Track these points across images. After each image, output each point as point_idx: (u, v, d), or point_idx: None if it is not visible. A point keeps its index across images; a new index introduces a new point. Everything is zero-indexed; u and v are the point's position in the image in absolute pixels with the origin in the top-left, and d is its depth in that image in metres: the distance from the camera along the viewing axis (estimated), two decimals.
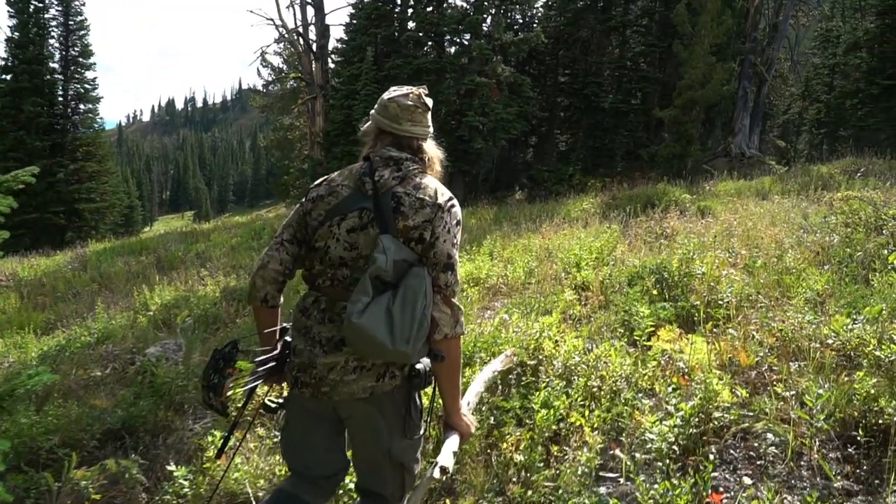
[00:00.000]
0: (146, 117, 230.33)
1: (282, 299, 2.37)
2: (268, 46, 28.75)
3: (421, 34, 24.86)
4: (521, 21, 28.54)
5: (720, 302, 4.75)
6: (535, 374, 3.82)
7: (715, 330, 4.26)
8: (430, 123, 2.35)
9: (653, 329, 4.13)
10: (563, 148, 30.42)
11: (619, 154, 26.48)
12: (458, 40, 25.90)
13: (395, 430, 2.22)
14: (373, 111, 2.35)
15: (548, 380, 3.63)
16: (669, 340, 3.92)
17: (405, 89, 2.31)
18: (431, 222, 2.14)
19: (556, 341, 3.97)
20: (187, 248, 15.43)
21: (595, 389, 3.57)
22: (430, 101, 2.34)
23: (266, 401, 2.42)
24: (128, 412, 4.44)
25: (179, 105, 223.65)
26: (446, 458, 2.24)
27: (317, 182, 2.37)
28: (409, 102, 2.26)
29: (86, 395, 5.14)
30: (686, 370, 3.72)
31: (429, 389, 2.30)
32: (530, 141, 31.03)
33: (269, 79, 39.05)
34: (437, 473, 2.20)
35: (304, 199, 2.34)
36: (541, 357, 3.90)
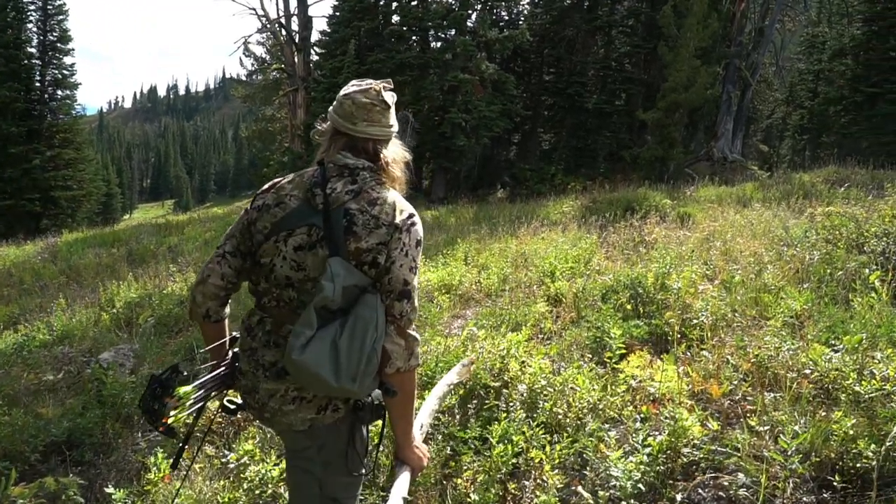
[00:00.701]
0: (128, 104, 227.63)
1: (227, 311, 2.18)
2: (249, 36, 28.38)
3: (405, 28, 24.61)
4: (506, 18, 28.32)
5: (695, 321, 4.57)
6: (498, 397, 3.62)
7: (688, 353, 4.08)
8: (391, 123, 2.08)
9: (624, 350, 3.94)
10: (547, 147, 30.28)
11: (602, 155, 26.38)
12: (442, 35, 25.67)
13: (333, 466, 2.05)
14: (330, 108, 2.09)
15: (510, 406, 3.44)
16: (640, 366, 3.73)
17: (364, 84, 2.06)
18: (387, 245, 1.93)
19: (523, 361, 3.77)
20: (160, 240, 15.11)
21: (560, 416, 3.37)
22: (391, 98, 2.08)
23: (225, 401, 2.22)
24: (73, 424, 4.20)
25: (162, 92, 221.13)
26: (397, 496, 2.08)
27: (264, 187, 2.12)
28: (366, 100, 2.00)
29: (34, 401, 4.90)
30: (656, 397, 3.54)
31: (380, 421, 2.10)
32: (514, 139, 30.87)
33: (252, 69, 38.66)
34: None
35: (248, 207, 2.10)
36: (506, 379, 3.70)
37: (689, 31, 20.32)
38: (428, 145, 24.04)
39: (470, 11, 24.93)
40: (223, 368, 2.15)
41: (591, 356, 4.25)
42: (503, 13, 28.19)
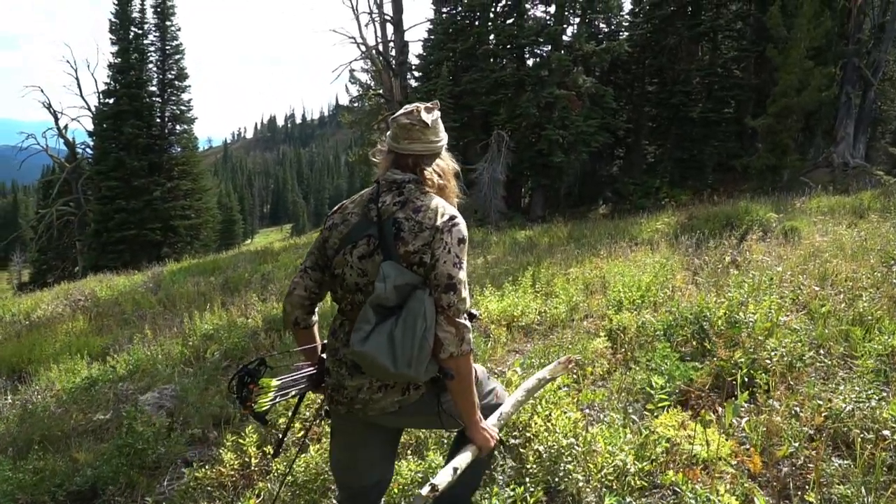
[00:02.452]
0: (249, 134, 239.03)
1: (314, 319, 2.48)
2: (349, 64, 28.87)
3: (499, 47, 24.35)
4: (605, 30, 27.52)
5: (768, 361, 3.99)
6: (518, 459, 3.21)
7: (752, 401, 3.53)
8: (435, 139, 2.32)
9: (667, 402, 3.45)
10: (652, 160, 29.13)
11: (710, 166, 25.05)
12: (538, 51, 25.26)
13: (434, 423, 2.38)
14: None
15: (527, 469, 3.03)
16: (677, 424, 3.21)
17: (410, 107, 2.32)
18: (430, 245, 2.16)
19: (549, 415, 3.34)
20: (254, 268, 15.42)
21: (582, 483, 2.93)
22: (430, 117, 2.29)
23: (325, 407, 2.49)
24: (97, 472, 4.11)
25: (280, 122, 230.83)
26: (443, 475, 2.19)
27: (333, 209, 2.44)
28: (406, 121, 2.27)
29: (76, 444, 4.88)
30: (697, 460, 3.03)
31: None
32: (617, 153, 29.92)
33: (358, 95, 39.51)
34: (424, 491, 2.10)
35: (322, 227, 2.42)
36: (529, 435, 3.29)
37: (800, 31, 18.99)
38: (525, 163, 23.61)
39: (565, 26, 24.41)
40: (310, 369, 2.48)
41: (635, 406, 3.76)
42: (602, 25, 27.44)
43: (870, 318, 4.64)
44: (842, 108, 21.93)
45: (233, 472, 3.74)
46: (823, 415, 3.19)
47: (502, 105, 23.26)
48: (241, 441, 3.90)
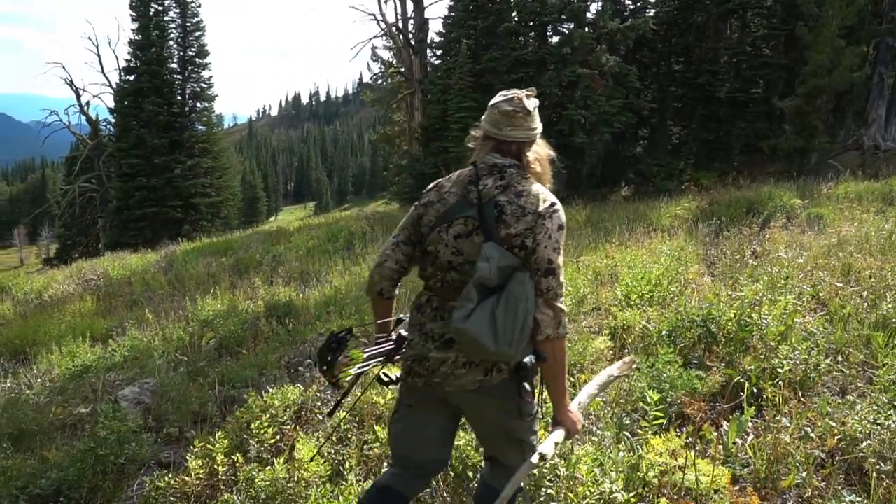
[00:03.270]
0: (274, 111, 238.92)
1: (397, 291, 2.52)
2: (368, 42, 28.48)
3: (521, 24, 23.79)
4: (630, 7, 26.80)
5: (780, 370, 3.66)
6: None
7: (757, 419, 3.21)
8: (534, 126, 2.34)
9: (662, 420, 3.14)
10: (677, 141, 28.44)
11: (737, 147, 24.34)
12: (560, 29, 24.64)
13: (508, 413, 2.33)
14: (482, 118, 2.39)
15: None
16: (666, 451, 2.90)
17: (510, 94, 2.32)
18: (533, 230, 2.19)
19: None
20: (267, 249, 15.24)
21: None
22: (532, 104, 2.33)
23: (381, 374, 2.52)
24: (63, 475, 3.89)
25: (305, 99, 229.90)
26: (547, 446, 2.25)
27: (429, 187, 2.46)
28: (509, 108, 2.28)
29: (49, 440, 4.69)
30: (688, 490, 2.72)
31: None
32: (641, 133, 29.25)
33: (379, 73, 39.10)
34: (535, 459, 2.20)
35: (417, 203, 2.45)
36: None
37: (832, 9, 18.25)
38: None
39: (589, 2, 23.75)
40: (390, 344, 2.50)
41: (633, 416, 3.45)
42: (627, 2, 26.72)
43: (894, 321, 4.28)
44: (874, 89, 21.15)
45: (198, 482, 3.51)
46: (836, 437, 2.88)
47: (523, 84, 22.73)
48: (210, 446, 3.66)
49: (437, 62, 27.45)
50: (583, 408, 2.64)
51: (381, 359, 2.48)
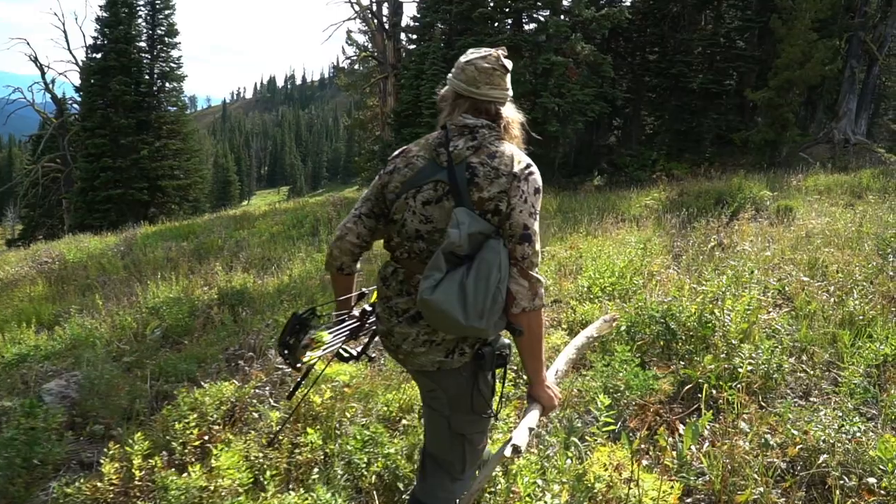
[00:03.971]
0: (249, 94, 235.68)
1: (358, 266, 2.38)
2: (340, 24, 27.86)
3: (496, 11, 23.44)
4: None
5: (740, 370, 3.44)
6: None
7: (715, 422, 2.99)
8: (509, 87, 2.24)
9: (613, 428, 2.91)
10: (650, 131, 28.37)
11: (708, 138, 24.33)
12: (536, 16, 24.36)
13: (459, 404, 2.20)
14: (450, 75, 2.24)
15: None
16: (608, 466, 2.66)
17: (483, 51, 2.21)
18: (507, 192, 2.04)
19: None
20: (229, 234, 14.85)
21: None
22: (509, 64, 2.24)
23: (340, 349, 2.35)
24: None
25: (280, 83, 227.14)
26: (520, 435, 2.08)
27: (395, 153, 2.31)
28: (487, 65, 2.16)
29: None
30: None
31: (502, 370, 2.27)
32: (615, 123, 29.13)
33: (354, 57, 38.53)
34: (508, 452, 2.04)
35: (381, 172, 2.29)
36: None
37: (805, 2, 18.20)
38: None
39: None
40: (354, 322, 2.35)
41: (586, 419, 3.22)
42: None
43: (861, 318, 4.09)
44: (845, 83, 21.21)
45: (111, 488, 3.21)
46: (798, 447, 2.66)
47: None
48: (128, 448, 3.37)
49: (411, 47, 27.03)
50: (560, 376, 2.54)
51: (346, 337, 2.32)
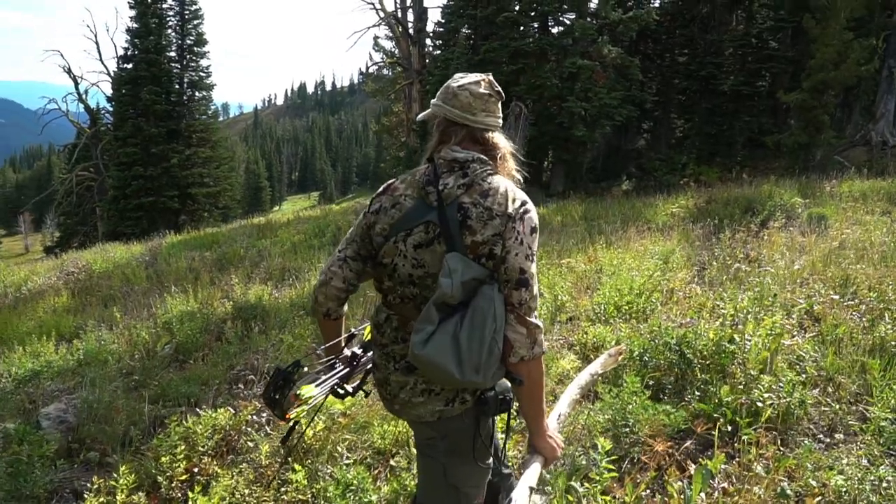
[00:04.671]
0: (280, 101, 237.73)
1: (344, 309, 2.26)
2: (365, 31, 27.87)
3: (521, 15, 23.19)
4: None
5: (760, 403, 3.20)
6: None
7: (729, 464, 2.76)
8: (500, 113, 2.12)
9: (614, 475, 2.69)
10: (680, 134, 27.86)
11: (740, 142, 23.79)
12: (562, 19, 24.08)
13: (458, 455, 2.09)
14: (436, 100, 2.11)
15: None
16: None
17: (473, 76, 2.09)
18: (502, 235, 1.92)
19: None
20: (252, 243, 14.83)
21: None
22: (500, 90, 2.12)
23: (335, 388, 2.20)
24: None
25: (310, 89, 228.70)
26: (520, 496, 2.00)
27: (379, 191, 2.18)
28: (484, 91, 2.05)
29: None
30: None
31: (505, 416, 2.17)
32: (644, 127, 28.67)
33: (381, 63, 38.56)
34: None
35: (366, 211, 2.17)
36: None
37: (840, 0, 17.68)
38: (546, 136, 22.57)
39: None
40: (344, 368, 2.23)
41: (588, 458, 3.00)
42: None
43: (893, 343, 3.81)
44: (883, 84, 20.57)
45: None
46: (817, 499, 2.43)
47: (521, 75, 22.20)
48: (113, 483, 3.24)
49: (436, 52, 26.92)
50: (563, 420, 2.44)
51: (336, 384, 2.19)
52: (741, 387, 3.38)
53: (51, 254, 35.96)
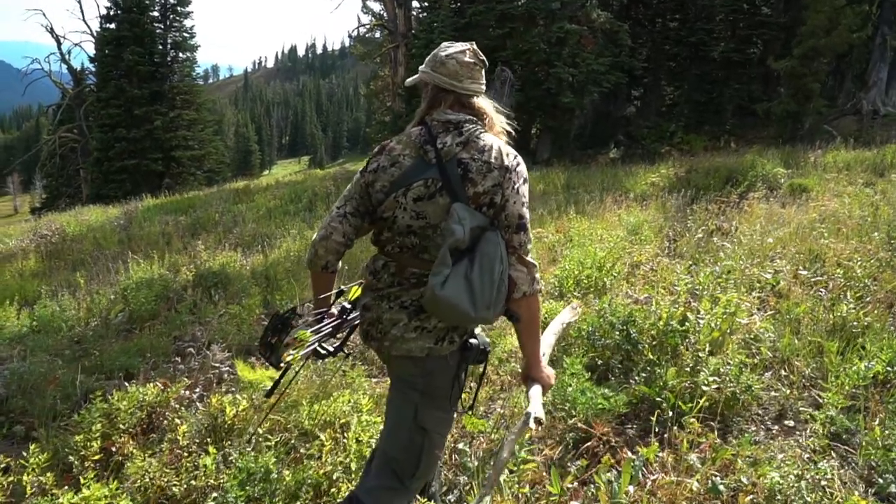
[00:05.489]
0: (270, 63, 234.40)
1: (339, 264, 2.34)
2: None
3: None
4: None
5: (705, 387, 3.02)
6: None
7: (662, 453, 2.59)
8: (484, 80, 2.29)
9: (533, 466, 2.51)
10: (670, 102, 27.48)
11: (729, 109, 23.45)
12: None
13: (433, 397, 2.21)
14: (425, 68, 2.26)
15: None
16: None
17: (459, 45, 2.27)
18: (501, 185, 2.10)
19: None
20: (227, 208, 14.55)
21: None
22: (484, 57, 2.29)
23: (318, 346, 2.27)
24: None
25: (301, 52, 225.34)
26: (538, 408, 2.15)
27: (375, 151, 2.32)
28: (469, 59, 2.23)
29: None
30: None
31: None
32: (634, 93, 28.27)
33: (368, 25, 37.82)
34: (532, 424, 2.07)
35: (364, 171, 2.29)
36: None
37: None
38: (533, 102, 22.18)
39: None
40: (335, 319, 2.30)
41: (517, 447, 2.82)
42: None
43: (854, 324, 3.63)
44: (875, 51, 20.27)
45: None
46: (749, 496, 2.25)
47: (508, 40, 21.75)
48: (23, 461, 3.04)
49: (422, 15, 26.32)
50: (546, 359, 2.55)
51: (328, 335, 2.28)
52: (688, 369, 3.20)
53: (36, 214, 35.55)
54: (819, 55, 18.14)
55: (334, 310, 2.39)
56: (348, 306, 2.35)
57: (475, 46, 2.29)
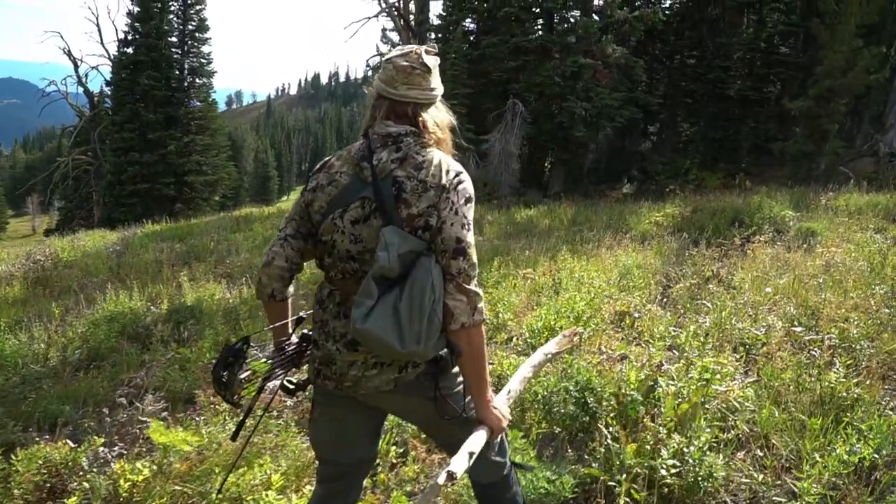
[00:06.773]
0: (293, 90, 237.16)
1: (290, 290, 2.20)
2: (364, 21, 27.16)
3: (524, 10, 22.47)
4: None
5: (663, 471, 2.62)
6: None
7: None
8: (433, 86, 2.05)
9: None
10: (686, 138, 27.15)
11: (745, 147, 23.10)
12: (566, 16, 23.41)
13: (428, 417, 2.10)
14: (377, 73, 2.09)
15: None
16: None
17: (406, 48, 2.04)
18: (436, 206, 1.92)
19: None
20: (225, 236, 14.30)
21: None
22: (431, 61, 2.04)
23: (285, 381, 2.19)
24: None
25: (324, 79, 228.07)
26: (459, 461, 1.88)
27: (316, 168, 2.16)
28: (405, 63, 2.00)
29: None
30: None
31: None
32: (651, 129, 27.99)
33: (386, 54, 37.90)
34: (441, 479, 1.80)
35: (304, 189, 2.14)
36: None
37: (851, 6, 16.96)
38: (545, 136, 21.96)
39: None
40: (293, 348, 2.21)
41: None
42: None
43: (844, 396, 3.22)
44: (893, 93, 19.83)
45: None
46: None
47: (521, 72, 21.59)
48: None
49: (439, 46, 26.27)
50: (513, 396, 2.42)
51: (285, 365, 2.17)
52: (648, 449, 2.80)
53: (49, 236, 35.64)
54: (835, 96, 17.75)
55: (294, 338, 2.25)
56: (309, 334, 2.21)
57: (424, 49, 2.05)
